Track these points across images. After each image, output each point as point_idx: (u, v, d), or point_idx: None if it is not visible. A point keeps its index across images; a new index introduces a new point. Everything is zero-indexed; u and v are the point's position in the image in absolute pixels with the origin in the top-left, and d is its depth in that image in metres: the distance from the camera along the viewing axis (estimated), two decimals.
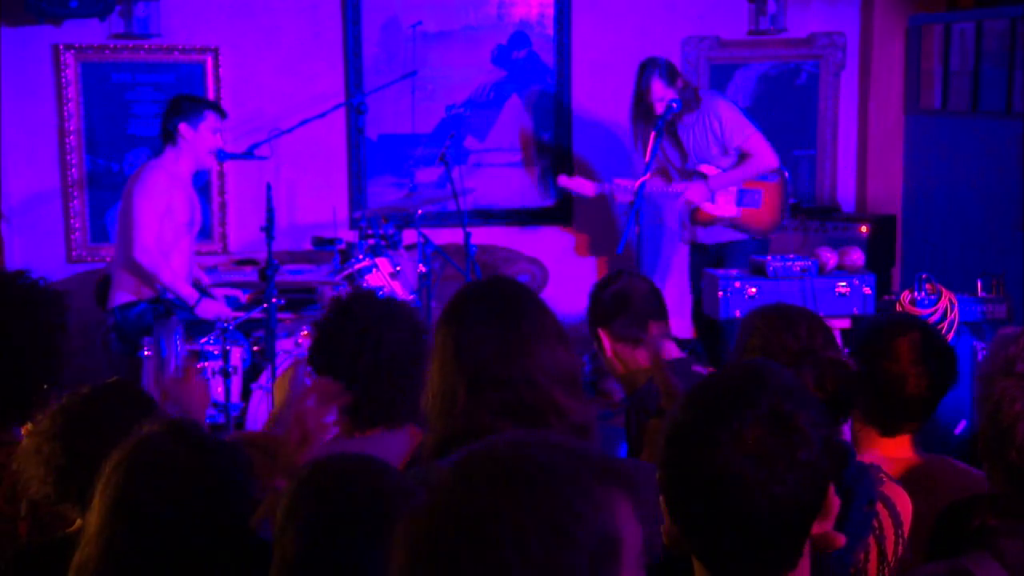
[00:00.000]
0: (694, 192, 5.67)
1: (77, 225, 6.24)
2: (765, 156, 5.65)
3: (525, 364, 2.00)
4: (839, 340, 4.37)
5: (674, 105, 5.08)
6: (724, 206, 5.71)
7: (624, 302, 3.16)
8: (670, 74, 5.54)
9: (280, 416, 2.91)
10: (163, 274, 5.01)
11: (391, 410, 2.59)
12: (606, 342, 3.16)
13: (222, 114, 5.19)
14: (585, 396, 2.11)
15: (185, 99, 5.19)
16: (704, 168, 5.66)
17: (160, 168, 5.07)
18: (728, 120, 5.63)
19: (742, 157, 5.66)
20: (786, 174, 5.85)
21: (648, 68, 5.52)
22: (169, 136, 5.07)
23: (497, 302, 2.08)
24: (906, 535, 2.13)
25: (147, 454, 1.75)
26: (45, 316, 2.45)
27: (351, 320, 2.61)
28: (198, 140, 5.08)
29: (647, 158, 4.90)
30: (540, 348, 2.02)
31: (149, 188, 5.00)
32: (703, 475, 1.40)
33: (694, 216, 5.76)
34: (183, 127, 5.05)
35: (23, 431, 2.57)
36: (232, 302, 5.30)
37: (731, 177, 5.68)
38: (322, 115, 5.87)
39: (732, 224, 5.72)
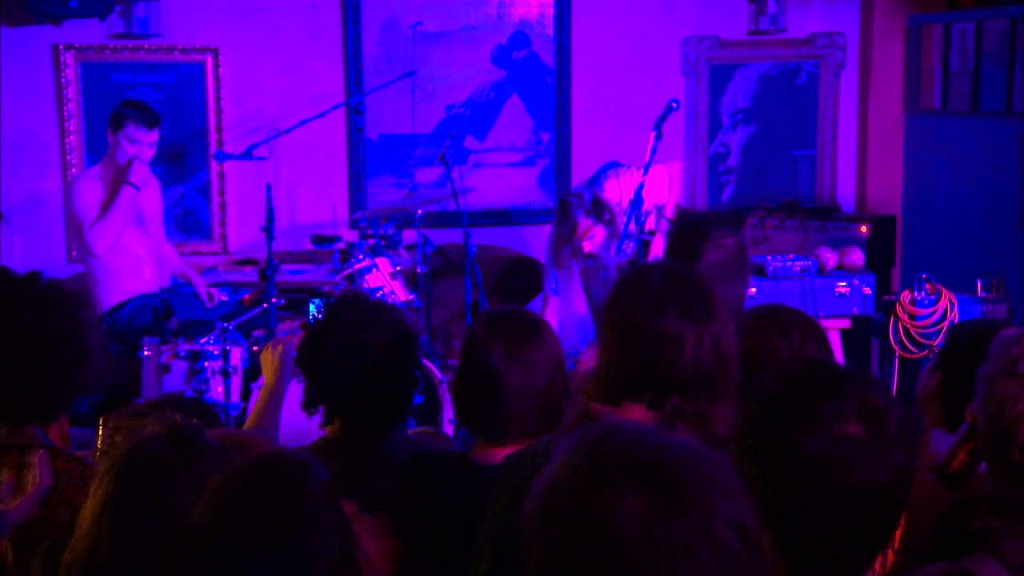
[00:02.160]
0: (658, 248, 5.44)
1: None
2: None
3: (711, 368, 1.95)
4: (839, 341, 4.35)
5: (674, 105, 5.06)
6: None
7: (712, 268, 2.87)
8: (596, 208, 5.22)
9: (272, 397, 2.89)
10: (113, 222, 5.08)
11: (377, 414, 2.60)
12: None
13: (148, 123, 5.15)
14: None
15: (120, 104, 5.26)
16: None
17: (87, 177, 5.22)
18: (660, 183, 5.40)
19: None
20: None
21: (571, 203, 5.23)
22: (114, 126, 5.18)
23: (692, 295, 2.00)
24: (896, 542, 2.12)
25: (141, 457, 1.75)
26: (75, 315, 2.43)
27: (337, 325, 2.62)
28: (115, 146, 5.17)
29: (647, 157, 4.89)
30: (723, 344, 1.98)
31: (76, 197, 5.15)
32: (797, 457, 1.41)
33: None
34: (108, 133, 5.18)
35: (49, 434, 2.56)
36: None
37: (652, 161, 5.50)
38: (322, 115, 5.86)
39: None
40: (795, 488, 1.43)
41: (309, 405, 2.64)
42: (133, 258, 5.22)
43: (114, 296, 5.16)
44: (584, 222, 5.17)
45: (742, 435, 1.49)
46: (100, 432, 2.47)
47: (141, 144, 5.12)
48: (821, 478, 1.40)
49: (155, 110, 5.25)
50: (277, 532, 1.44)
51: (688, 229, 3.01)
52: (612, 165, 5.50)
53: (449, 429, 4.79)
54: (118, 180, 5.11)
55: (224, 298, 5.53)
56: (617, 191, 5.35)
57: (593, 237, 5.20)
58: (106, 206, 5.09)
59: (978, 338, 2.43)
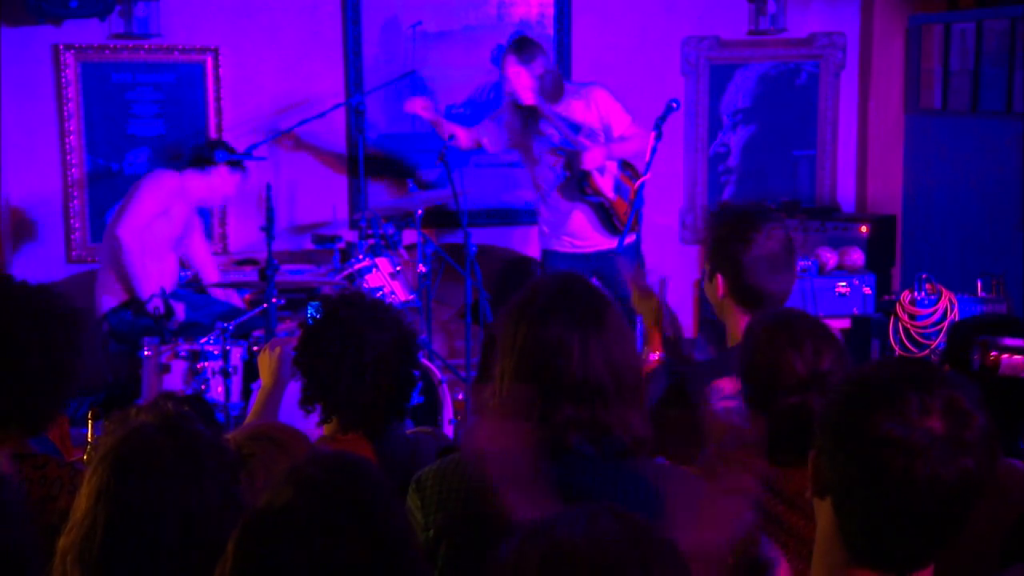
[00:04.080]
0: (594, 155, 5.33)
1: (77, 225, 6.23)
2: (645, 135, 5.46)
3: (601, 375, 1.95)
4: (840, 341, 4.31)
5: (674, 105, 5.06)
6: (606, 186, 5.44)
7: (763, 259, 2.93)
8: (529, 53, 5.31)
9: (270, 399, 2.90)
10: (135, 258, 5.17)
11: (374, 412, 2.60)
12: (720, 288, 2.95)
13: (245, 174, 5.57)
14: (646, 403, 2.07)
15: (229, 149, 5.53)
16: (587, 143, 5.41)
17: (175, 176, 5.38)
18: (613, 109, 5.44)
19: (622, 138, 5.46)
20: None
21: (505, 51, 5.37)
22: (204, 163, 5.38)
23: (580, 304, 2.02)
24: None
25: (134, 446, 1.76)
26: (70, 330, 2.41)
27: (335, 322, 2.62)
28: (224, 185, 5.49)
29: (647, 157, 4.89)
30: (617, 354, 1.99)
31: (157, 183, 5.32)
32: (870, 435, 1.42)
33: (580, 183, 5.40)
34: (224, 170, 5.46)
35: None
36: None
37: (623, 148, 5.42)
38: (322, 115, 5.86)
39: (606, 209, 5.45)
40: (860, 466, 1.44)
41: (306, 403, 2.65)
42: (158, 272, 5.26)
43: (118, 296, 5.17)
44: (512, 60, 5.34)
45: (826, 408, 1.50)
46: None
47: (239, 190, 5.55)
48: (887, 461, 1.41)
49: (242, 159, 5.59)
50: (361, 511, 1.48)
51: (739, 219, 2.99)
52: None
53: (449, 429, 4.79)
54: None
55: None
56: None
57: (516, 74, 5.32)
58: (168, 214, 5.34)
59: (982, 331, 2.42)
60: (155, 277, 5.17)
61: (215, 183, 5.44)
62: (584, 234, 5.52)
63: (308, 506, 1.48)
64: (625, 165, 5.52)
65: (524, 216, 6.70)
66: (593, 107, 5.44)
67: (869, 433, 1.42)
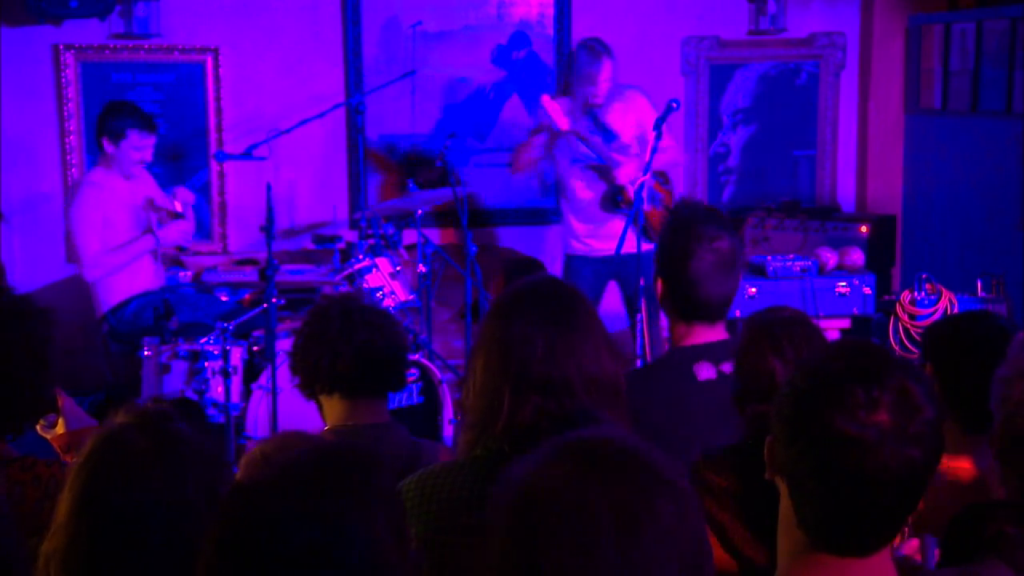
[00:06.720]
0: (628, 169, 5.29)
1: None
2: (678, 147, 5.46)
3: (568, 370, 1.98)
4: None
5: (674, 105, 5.05)
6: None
7: (701, 272, 2.77)
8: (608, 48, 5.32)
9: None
10: (118, 260, 5.05)
11: (374, 368, 2.65)
12: (659, 291, 2.86)
13: (150, 128, 5.13)
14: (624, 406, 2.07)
15: (112, 110, 5.16)
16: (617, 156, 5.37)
17: (89, 184, 5.14)
18: (648, 114, 5.36)
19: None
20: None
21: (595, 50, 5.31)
22: (99, 148, 5.13)
23: (549, 303, 2.06)
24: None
25: (114, 449, 1.75)
26: (35, 330, 2.41)
27: (323, 311, 2.72)
28: (120, 156, 5.10)
29: (647, 157, 4.89)
30: (586, 353, 2.01)
31: (78, 205, 5.07)
32: (821, 428, 1.43)
33: (615, 197, 5.35)
34: (104, 141, 5.09)
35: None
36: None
37: (656, 160, 5.32)
38: (322, 115, 5.86)
39: (642, 223, 5.29)
40: (811, 460, 1.46)
41: (304, 388, 2.70)
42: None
43: (115, 296, 5.16)
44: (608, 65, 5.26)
45: (780, 398, 1.51)
46: None
47: (145, 149, 5.12)
48: (837, 456, 1.43)
49: (146, 112, 5.25)
50: (320, 505, 1.45)
51: (684, 227, 2.92)
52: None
53: (449, 429, 4.79)
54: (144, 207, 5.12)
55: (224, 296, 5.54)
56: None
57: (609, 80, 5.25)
58: (109, 222, 5.06)
59: (960, 328, 2.41)
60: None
61: (135, 152, 5.08)
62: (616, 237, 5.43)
63: (267, 488, 1.46)
64: (656, 173, 5.45)
65: (524, 216, 6.71)
66: (631, 113, 5.37)
67: (819, 429, 1.44)
